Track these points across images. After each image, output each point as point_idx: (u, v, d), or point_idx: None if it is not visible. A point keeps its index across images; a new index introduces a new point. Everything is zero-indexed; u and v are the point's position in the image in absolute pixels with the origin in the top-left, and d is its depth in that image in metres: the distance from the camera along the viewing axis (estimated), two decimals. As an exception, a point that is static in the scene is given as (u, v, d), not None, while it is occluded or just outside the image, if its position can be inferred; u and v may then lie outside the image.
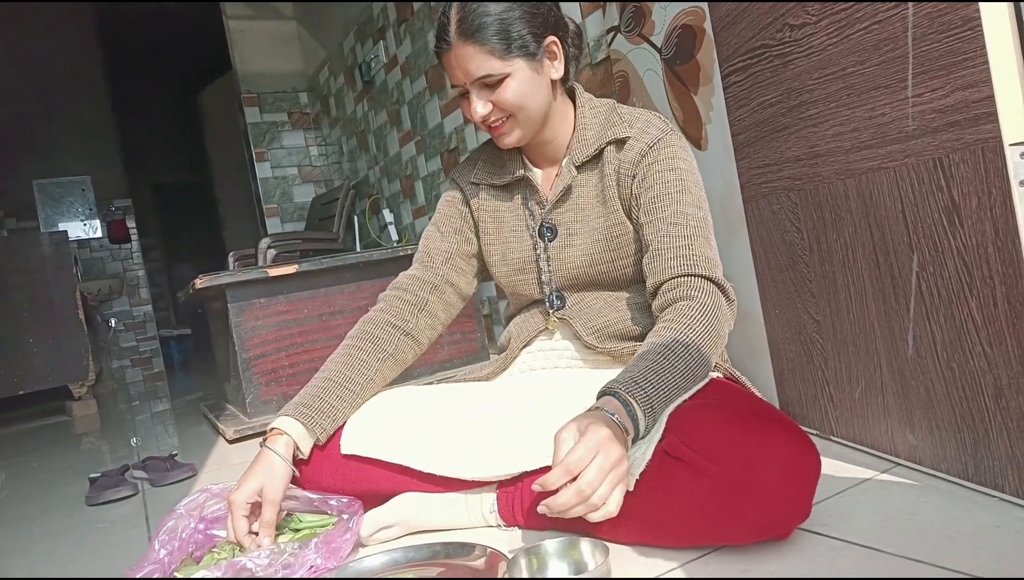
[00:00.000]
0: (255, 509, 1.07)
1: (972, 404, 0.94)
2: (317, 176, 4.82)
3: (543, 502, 0.84)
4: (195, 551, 1.10)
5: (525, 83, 1.12)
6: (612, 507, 0.83)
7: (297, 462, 1.14)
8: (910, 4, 0.93)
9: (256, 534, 1.06)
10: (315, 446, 1.17)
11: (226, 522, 1.07)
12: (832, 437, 1.25)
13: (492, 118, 1.15)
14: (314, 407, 1.16)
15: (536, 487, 0.85)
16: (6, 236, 5.10)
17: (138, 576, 0.98)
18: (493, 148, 1.31)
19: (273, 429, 1.14)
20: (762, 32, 1.24)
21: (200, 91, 5.44)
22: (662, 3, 1.62)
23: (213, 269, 2.49)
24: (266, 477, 1.07)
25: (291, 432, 1.13)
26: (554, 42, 1.16)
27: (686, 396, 0.97)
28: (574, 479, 0.82)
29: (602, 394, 0.94)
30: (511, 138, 1.17)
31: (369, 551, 1.09)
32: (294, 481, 1.13)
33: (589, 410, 0.91)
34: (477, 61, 1.10)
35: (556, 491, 0.82)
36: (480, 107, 1.13)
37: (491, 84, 1.11)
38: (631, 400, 0.91)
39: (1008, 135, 0.84)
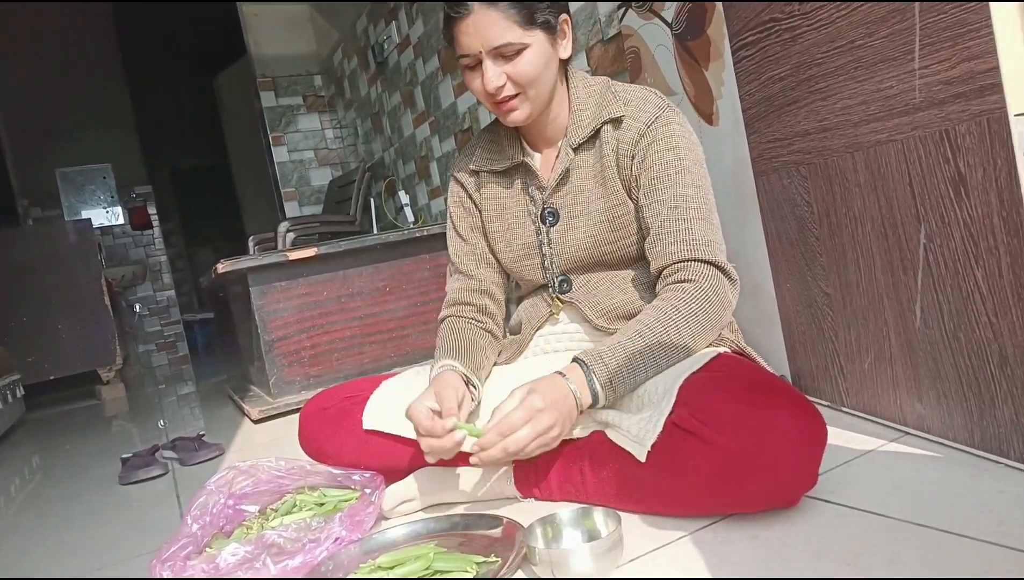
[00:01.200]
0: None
1: (978, 373, 0.96)
2: (333, 159, 4.86)
3: (475, 454, 0.98)
4: (225, 526, 1.15)
5: (541, 57, 1.11)
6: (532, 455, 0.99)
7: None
8: (915, -24, 0.93)
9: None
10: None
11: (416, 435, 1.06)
12: (843, 408, 1.27)
13: (503, 93, 1.12)
14: (467, 363, 1.18)
15: (474, 447, 0.98)
16: (32, 225, 5.20)
17: (172, 549, 1.03)
18: (491, 134, 1.30)
19: (443, 367, 1.16)
20: (771, 6, 1.24)
21: (216, 76, 5.48)
22: (671, -22, 1.62)
23: (233, 253, 2.54)
24: (439, 386, 1.09)
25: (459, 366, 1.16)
26: (566, 20, 1.16)
27: (669, 372, 1.03)
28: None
29: (573, 360, 1.03)
30: (519, 114, 1.14)
31: (391, 523, 1.13)
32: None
33: (552, 374, 1.02)
34: (499, 28, 1.07)
35: None
36: (495, 77, 1.09)
37: (508, 54, 1.09)
38: (593, 375, 1.01)
39: (1013, 105, 0.84)
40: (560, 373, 1.02)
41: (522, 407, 0.97)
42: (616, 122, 1.16)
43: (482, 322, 1.29)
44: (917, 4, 0.94)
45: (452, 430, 1.02)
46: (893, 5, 0.98)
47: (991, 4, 0.84)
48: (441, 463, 1.15)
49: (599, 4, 2.06)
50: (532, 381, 1.01)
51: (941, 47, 0.91)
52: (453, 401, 1.06)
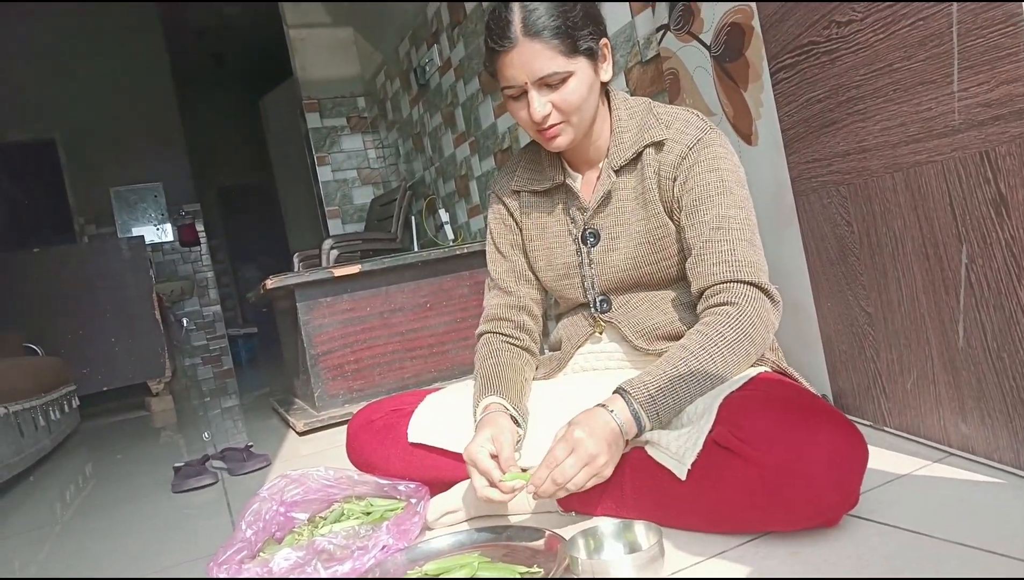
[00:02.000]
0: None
1: (1023, 393, 0.95)
2: (375, 178, 4.96)
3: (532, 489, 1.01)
4: (277, 532, 1.20)
5: (585, 83, 1.12)
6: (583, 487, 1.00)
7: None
8: (953, 3, 0.94)
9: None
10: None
11: (470, 473, 1.08)
12: (885, 428, 1.26)
13: (549, 121, 1.13)
14: (511, 398, 1.20)
15: (528, 490, 1.02)
16: (87, 242, 5.41)
17: (228, 553, 1.08)
18: (532, 154, 1.33)
19: (489, 405, 1.18)
20: (809, 29, 1.26)
21: (262, 97, 5.65)
22: (711, 2, 1.65)
23: (277, 270, 2.62)
24: (494, 430, 1.11)
25: (508, 407, 1.18)
26: (606, 44, 1.17)
27: (722, 389, 1.03)
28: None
29: (615, 390, 1.04)
30: (563, 140, 1.16)
31: (436, 533, 1.16)
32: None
33: (596, 406, 1.03)
34: (543, 60, 1.08)
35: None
36: (541, 107, 1.11)
37: (553, 84, 1.10)
38: (639, 409, 1.01)
39: (1054, 128, 0.85)
40: (602, 405, 1.02)
41: (563, 440, 0.99)
42: (658, 145, 1.18)
43: (519, 340, 1.32)
44: (955, 29, 0.95)
45: (512, 484, 1.04)
46: (930, 29, 0.99)
47: (1031, 28, 0.85)
48: None
49: (638, 27, 2.09)
50: (576, 419, 1.02)
51: (980, 70, 0.93)
52: (510, 449, 1.07)
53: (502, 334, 1.32)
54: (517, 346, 1.31)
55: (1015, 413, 0.98)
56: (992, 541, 0.82)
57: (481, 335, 1.35)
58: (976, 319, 1.01)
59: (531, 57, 1.09)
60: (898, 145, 1.09)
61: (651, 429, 1.03)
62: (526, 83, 1.11)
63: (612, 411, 1.01)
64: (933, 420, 1.14)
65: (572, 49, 1.10)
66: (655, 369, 1.05)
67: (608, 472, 1.00)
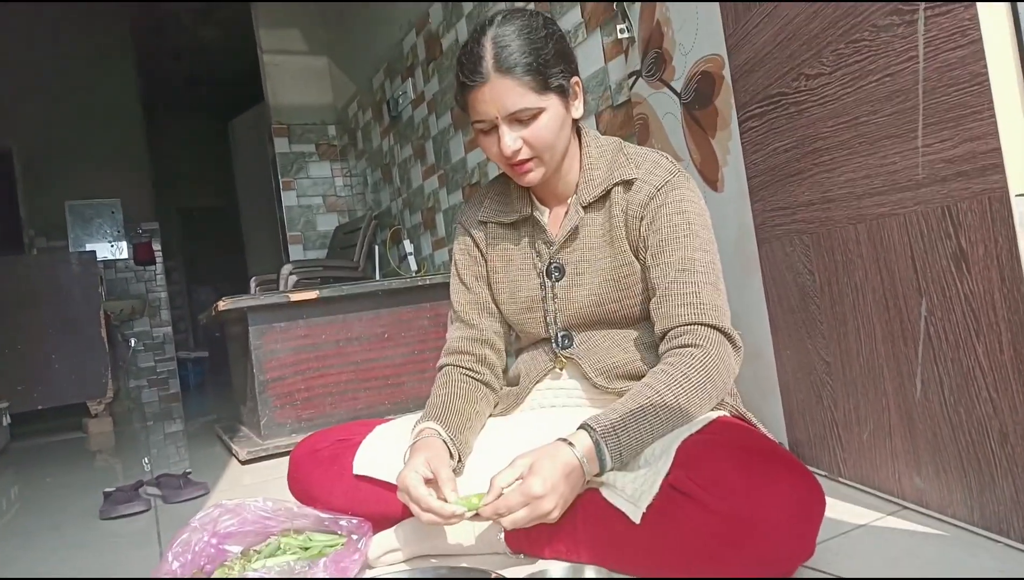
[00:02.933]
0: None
1: (978, 449, 0.95)
2: (341, 206, 4.92)
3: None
4: (206, 565, 1.12)
5: (556, 120, 1.13)
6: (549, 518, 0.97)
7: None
8: (920, 61, 0.96)
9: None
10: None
11: (404, 500, 1.04)
12: (840, 478, 1.25)
13: (519, 156, 1.13)
14: (451, 427, 1.16)
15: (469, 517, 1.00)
16: (36, 254, 5.22)
17: (151, 585, 1.00)
18: (500, 186, 1.32)
19: (423, 430, 1.14)
20: (778, 80, 1.28)
21: (231, 120, 5.60)
22: (683, 52, 1.67)
23: (234, 293, 2.55)
24: (428, 453, 1.07)
25: (442, 433, 1.14)
26: (577, 82, 1.18)
27: (680, 432, 1.01)
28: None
29: (580, 427, 1.01)
30: (535, 176, 1.16)
31: (376, 572, 1.10)
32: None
33: (557, 443, 0.99)
34: (515, 96, 1.09)
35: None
36: (512, 142, 1.11)
37: (524, 119, 1.11)
38: (602, 443, 0.98)
39: (1014, 185, 0.86)
40: (567, 440, 0.99)
41: (520, 492, 0.95)
42: (628, 184, 1.18)
43: (480, 374, 1.29)
44: (920, 86, 0.97)
45: (452, 509, 1.00)
46: (897, 85, 1.01)
47: (992, 89, 0.87)
48: None
49: (610, 72, 2.12)
50: (536, 450, 0.99)
51: (944, 127, 0.94)
52: (449, 472, 1.04)
53: (462, 367, 1.29)
54: (476, 380, 1.28)
55: (969, 467, 0.97)
56: (947, 599, 0.80)
57: (441, 368, 1.31)
58: (934, 372, 1.01)
59: (502, 93, 1.09)
60: (862, 197, 1.11)
61: (612, 467, 1.00)
62: (497, 118, 1.11)
63: (573, 446, 0.98)
64: (888, 472, 1.13)
65: (543, 86, 1.11)
66: (619, 406, 1.03)
67: (555, 515, 0.96)
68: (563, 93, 1.14)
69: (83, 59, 5.65)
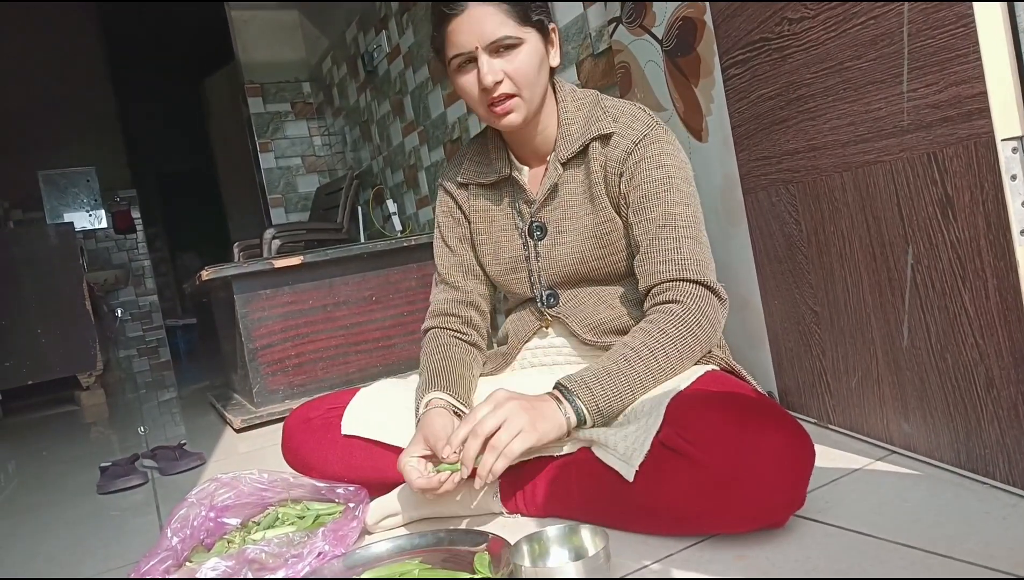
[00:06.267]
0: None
1: (964, 394, 0.96)
2: (321, 166, 4.84)
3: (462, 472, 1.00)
4: (206, 539, 1.13)
5: (536, 55, 1.11)
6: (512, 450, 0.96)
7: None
8: (905, 1, 0.94)
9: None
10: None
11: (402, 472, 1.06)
12: (829, 426, 1.27)
13: (500, 90, 1.10)
14: (459, 397, 1.17)
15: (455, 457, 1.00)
16: (12, 228, 5.12)
17: (151, 563, 1.01)
18: (479, 146, 1.30)
19: (432, 400, 1.15)
20: (761, 25, 1.25)
21: (203, 81, 5.45)
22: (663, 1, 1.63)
23: (218, 258, 2.52)
24: (427, 430, 1.07)
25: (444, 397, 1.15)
26: (555, 29, 1.17)
27: (657, 389, 1.04)
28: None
29: (555, 386, 1.03)
30: (516, 116, 1.12)
31: (375, 538, 1.12)
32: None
33: (544, 394, 1.02)
34: (495, 22, 1.07)
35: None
36: (491, 73, 1.08)
37: (504, 49, 1.09)
38: (577, 400, 1.01)
39: (1000, 130, 0.85)
40: (549, 394, 1.03)
41: (487, 400, 1.01)
42: (605, 139, 1.16)
43: (467, 335, 1.28)
44: (905, 29, 0.95)
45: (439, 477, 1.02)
46: (881, 28, 0.99)
47: (979, 30, 0.85)
48: None
49: (590, 19, 2.07)
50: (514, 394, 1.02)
51: (929, 71, 0.92)
52: (445, 450, 1.04)
53: (449, 329, 1.28)
54: (464, 341, 1.28)
55: (956, 413, 0.99)
56: (934, 542, 0.82)
57: (428, 330, 1.31)
58: (920, 319, 1.01)
59: (482, 19, 1.07)
60: (847, 144, 1.09)
61: (592, 422, 1.01)
62: (476, 48, 1.09)
63: (560, 407, 1.01)
64: (877, 418, 1.15)
65: (524, 18, 1.10)
66: (597, 366, 1.04)
67: (533, 432, 0.96)
68: (543, 30, 1.13)
69: (45, 23, 5.45)
